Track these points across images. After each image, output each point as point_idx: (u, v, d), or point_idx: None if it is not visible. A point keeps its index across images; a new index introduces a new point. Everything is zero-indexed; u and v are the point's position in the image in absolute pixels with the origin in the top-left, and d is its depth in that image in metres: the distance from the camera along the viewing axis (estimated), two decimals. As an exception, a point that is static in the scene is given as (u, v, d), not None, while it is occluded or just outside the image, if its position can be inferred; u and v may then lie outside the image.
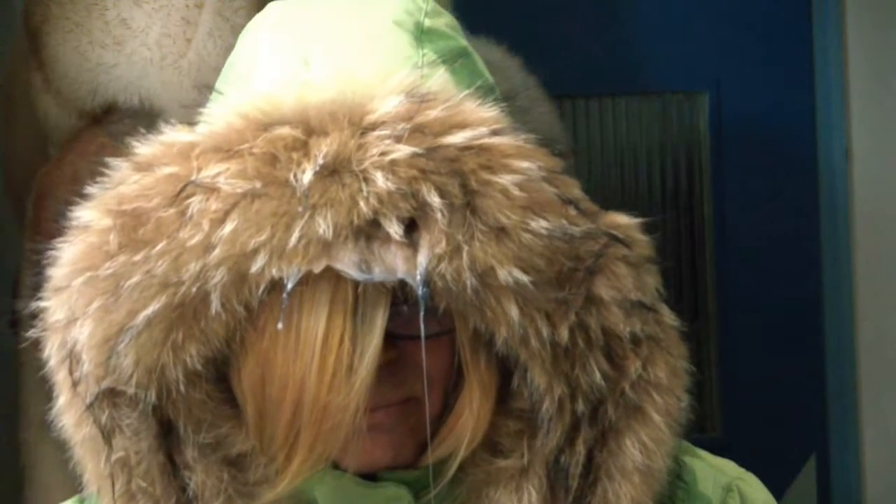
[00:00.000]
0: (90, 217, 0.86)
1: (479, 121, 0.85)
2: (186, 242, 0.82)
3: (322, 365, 0.84)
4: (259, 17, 0.99)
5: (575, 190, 0.87)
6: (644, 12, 3.03)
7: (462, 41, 0.97)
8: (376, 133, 0.82)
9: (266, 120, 0.84)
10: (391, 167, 0.81)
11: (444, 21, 0.96)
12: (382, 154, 0.81)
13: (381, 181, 0.81)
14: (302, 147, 0.82)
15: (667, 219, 3.06)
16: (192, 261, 0.82)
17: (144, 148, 0.86)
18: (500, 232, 0.82)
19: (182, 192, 0.82)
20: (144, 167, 0.85)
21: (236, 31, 2.09)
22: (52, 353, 0.89)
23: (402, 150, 0.82)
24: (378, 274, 0.81)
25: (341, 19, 0.93)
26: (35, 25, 2.16)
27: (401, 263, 0.81)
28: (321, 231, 0.80)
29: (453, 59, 0.94)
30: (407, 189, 0.81)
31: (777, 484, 3.12)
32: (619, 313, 0.87)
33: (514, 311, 0.83)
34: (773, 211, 3.02)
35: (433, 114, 0.84)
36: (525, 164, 0.84)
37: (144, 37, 2.09)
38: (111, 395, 0.88)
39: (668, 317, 0.91)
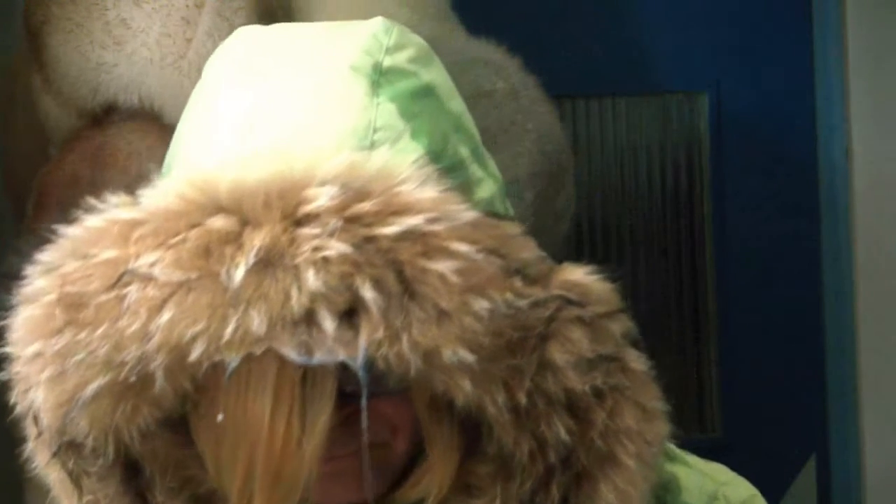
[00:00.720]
0: (38, 287, 0.87)
1: (416, 207, 0.84)
2: (125, 330, 0.83)
3: (270, 440, 0.85)
4: (224, 50, 0.98)
5: (524, 254, 0.86)
6: (644, 12, 3.03)
7: (425, 76, 0.94)
8: (309, 229, 0.82)
9: (204, 203, 0.84)
10: (324, 264, 0.81)
11: (407, 55, 0.94)
12: (315, 250, 0.81)
13: (312, 279, 0.80)
14: (235, 240, 0.82)
15: (667, 219, 3.07)
16: (132, 347, 0.83)
17: (87, 225, 0.87)
18: (441, 315, 0.82)
19: (120, 279, 0.83)
20: (84, 251, 0.86)
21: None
22: (17, 397, 0.90)
23: (334, 248, 0.81)
24: (318, 358, 0.81)
25: (296, 67, 0.92)
26: (35, 26, 2.16)
27: (341, 347, 0.81)
28: (255, 325, 0.81)
29: (412, 101, 0.92)
30: (340, 285, 0.81)
31: (777, 484, 3.12)
32: (576, 375, 0.86)
33: (466, 384, 0.84)
34: (773, 211, 3.02)
35: (367, 206, 0.83)
36: (463, 248, 0.83)
37: (144, 37, 2.09)
38: (73, 447, 0.89)
39: (635, 361, 0.90)
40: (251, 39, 0.97)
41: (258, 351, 0.81)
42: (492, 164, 0.98)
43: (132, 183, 0.88)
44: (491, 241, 0.85)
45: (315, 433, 0.85)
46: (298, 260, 0.81)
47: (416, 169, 0.86)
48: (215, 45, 2.12)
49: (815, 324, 3.00)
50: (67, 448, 0.89)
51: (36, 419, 0.89)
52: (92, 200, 0.87)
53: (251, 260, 0.81)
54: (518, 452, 0.88)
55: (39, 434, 0.90)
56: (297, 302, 0.80)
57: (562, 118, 2.40)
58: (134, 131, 2.11)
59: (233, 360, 0.82)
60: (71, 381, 0.85)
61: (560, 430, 0.87)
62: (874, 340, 2.93)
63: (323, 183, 0.84)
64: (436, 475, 0.89)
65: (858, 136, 2.93)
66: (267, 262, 0.81)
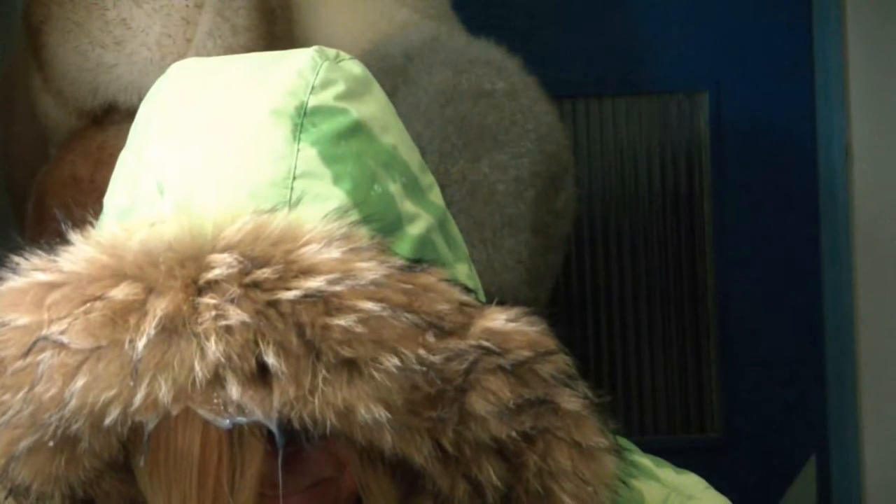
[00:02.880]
0: None
1: (318, 269, 0.84)
2: (42, 396, 0.84)
3: (201, 494, 0.86)
4: (155, 92, 0.96)
5: (439, 305, 0.85)
6: (644, 12, 3.03)
7: (355, 111, 0.92)
8: (209, 298, 0.82)
9: (112, 269, 0.84)
10: (226, 332, 0.81)
11: (335, 91, 0.92)
12: (216, 318, 0.82)
13: (213, 348, 0.81)
14: (139, 308, 0.83)
15: (667, 219, 3.06)
16: (52, 411, 0.84)
17: (10, 286, 0.87)
18: (350, 369, 0.82)
19: (34, 346, 0.84)
20: (2, 315, 0.86)
21: (236, 31, 2.10)
22: None
23: (235, 316, 0.81)
24: (235, 419, 0.82)
25: (218, 116, 0.91)
26: (35, 25, 2.16)
27: (256, 406, 0.82)
28: (162, 393, 0.81)
29: (336, 143, 0.90)
30: (244, 352, 0.81)
31: (777, 484, 3.12)
32: (499, 423, 0.86)
33: (387, 439, 0.84)
34: (773, 211, 3.02)
35: (267, 272, 0.83)
36: (368, 305, 0.83)
37: (144, 37, 2.09)
38: (22, 491, 0.90)
39: (567, 401, 0.88)
40: (181, 80, 0.95)
41: (175, 412, 0.82)
42: (433, 194, 0.96)
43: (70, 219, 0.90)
44: (400, 297, 0.84)
45: (245, 485, 0.85)
46: (199, 329, 0.81)
47: (325, 224, 0.85)
48: (215, 45, 2.13)
49: (815, 324, 3.00)
50: (16, 490, 0.90)
51: None
52: (13, 257, 0.88)
53: (153, 329, 0.82)
54: (455, 494, 0.87)
55: None
56: (202, 370, 0.81)
57: (562, 118, 2.39)
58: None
59: (148, 421, 0.83)
60: (3, 438, 0.87)
61: (491, 474, 0.86)
62: (874, 340, 2.93)
63: (224, 249, 0.84)
64: None
65: (858, 136, 2.93)
66: (170, 331, 0.82)
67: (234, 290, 0.82)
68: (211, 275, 0.83)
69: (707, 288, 3.06)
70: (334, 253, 0.84)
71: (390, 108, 0.97)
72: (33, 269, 0.87)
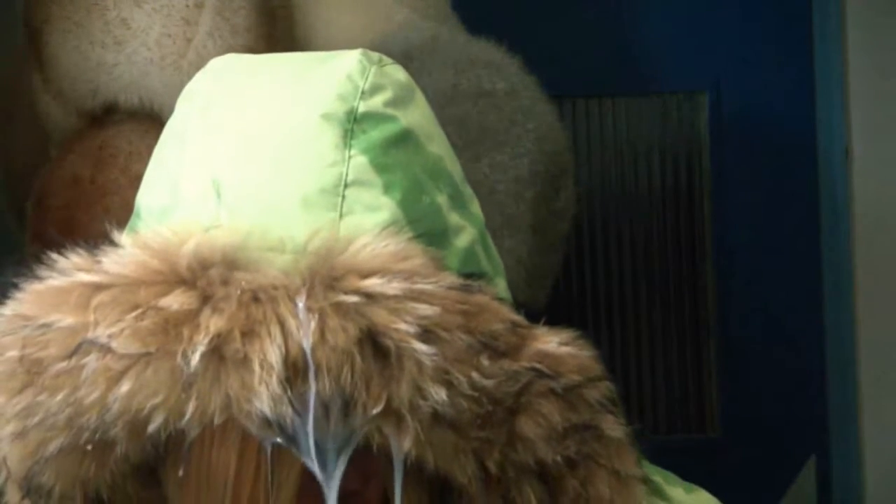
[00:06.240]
0: (2, 342, 0.86)
1: (378, 289, 0.82)
2: (84, 399, 0.82)
3: (235, 502, 0.85)
4: (193, 90, 0.95)
5: (494, 325, 0.84)
6: (644, 12, 3.03)
7: (404, 119, 0.90)
8: (265, 310, 0.81)
9: (164, 274, 0.83)
10: (279, 349, 0.80)
11: (385, 97, 0.90)
12: (271, 332, 0.80)
13: (267, 364, 0.80)
14: (193, 319, 0.81)
15: (667, 219, 3.06)
16: (92, 415, 0.83)
17: (50, 285, 0.86)
18: (412, 390, 0.81)
19: (78, 349, 0.83)
20: (44, 314, 0.85)
21: (236, 31, 2.10)
22: None
23: (290, 332, 0.80)
24: (279, 440, 0.81)
25: (264, 117, 0.89)
26: (35, 25, 2.16)
27: (307, 423, 0.80)
28: (213, 406, 0.80)
29: (386, 151, 0.89)
30: (297, 367, 0.80)
31: (777, 484, 3.12)
32: (547, 446, 0.85)
33: (431, 459, 0.83)
34: (773, 211, 3.02)
35: (325, 288, 0.81)
36: (428, 323, 0.81)
37: (144, 37, 2.09)
38: (42, 493, 0.89)
39: (611, 428, 0.88)
40: (224, 77, 0.94)
41: (219, 421, 0.81)
42: (473, 206, 0.94)
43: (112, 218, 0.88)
44: (457, 318, 0.83)
45: (282, 498, 0.84)
46: (255, 344, 0.80)
47: (382, 240, 0.84)
48: (216, 45, 2.13)
49: (815, 324, 3.00)
50: (35, 493, 0.88)
51: (5, 462, 0.88)
52: (54, 255, 0.86)
53: (206, 342, 0.80)
54: None
55: (8, 477, 0.89)
56: (259, 384, 0.79)
57: (562, 118, 2.39)
58: (134, 131, 2.11)
59: (192, 430, 0.81)
60: (33, 441, 0.85)
61: (532, 497, 0.86)
62: (874, 341, 2.93)
63: (289, 252, 0.83)
64: None
65: (858, 136, 2.93)
66: (225, 345, 0.80)
67: (295, 301, 0.81)
68: (268, 286, 0.81)
69: (707, 287, 3.06)
70: (394, 269, 0.83)
71: (433, 117, 0.95)
72: (76, 269, 0.85)
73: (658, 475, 1.02)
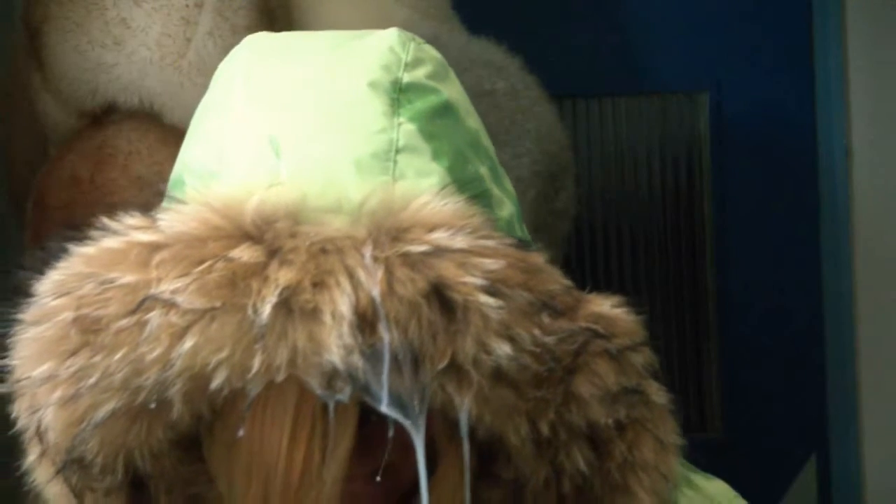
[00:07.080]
0: (50, 307, 0.85)
1: (444, 245, 0.82)
2: (146, 356, 0.81)
3: (288, 468, 0.84)
4: (232, 62, 0.94)
5: (551, 286, 0.84)
6: (644, 13, 3.03)
7: (444, 92, 0.92)
8: (332, 265, 0.80)
9: (228, 230, 0.82)
10: (347, 303, 0.79)
11: (426, 70, 0.92)
12: (340, 287, 0.79)
13: (335, 318, 0.79)
14: (261, 272, 0.80)
15: (667, 219, 3.06)
16: (152, 372, 0.81)
17: (104, 246, 0.85)
18: (477, 348, 0.80)
19: (141, 305, 0.81)
20: (101, 273, 0.84)
21: (236, 30, 2.10)
22: (20, 412, 0.89)
23: (363, 281, 0.79)
24: (343, 397, 0.80)
25: (314, 82, 0.90)
26: (35, 25, 2.16)
27: (372, 380, 0.79)
28: (279, 359, 0.79)
29: (432, 120, 0.90)
30: (363, 324, 0.79)
31: (777, 484, 3.12)
32: (600, 407, 0.85)
33: (487, 418, 0.83)
34: (773, 211, 3.02)
35: (390, 244, 0.81)
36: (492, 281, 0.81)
37: (144, 37, 2.09)
38: (81, 465, 0.88)
39: (656, 394, 0.89)
40: (261, 51, 0.94)
41: (280, 379, 0.80)
42: (507, 182, 0.97)
43: (142, 196, 0.87)
44: (518, 276, 0.83)
45: (335, 463, 0.84)
46: (323, 298, 0.79)
47: (440, 200, 0.84)
48: (215, 45, 2.12)
49: (816, 324, 3.00)
50: (74, 465, 0.87)
51: (41, 437, 0.87)
52: (106, 220, 0.85)
53: (276, 296, 0.79)
54: (534, 480, 0.87)
55: (44, 452, 0.88)
56: (327, 339, 0.79)
57: (562, 118, 2.39)
58: (134, 131, 2.11)
59: (254, 387, 0.80)
60: (83, 403, 0.84)
61: (579, 460, 0.86)
62: (874, 341, 2.93)
63: (347, 212, 0.83)
64: (443, 495, 0.87)
65: (858, 136, 2.93)
66: (293, 299, 0.79)
67: (362, 254, 0.80)
68: (334, 242, 0.81)
69: (707, 288, 3.06)
70: (458, 224, 0.83)
71: (466, 95, 0.96)
72: (131, 229, 0.84)
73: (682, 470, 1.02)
